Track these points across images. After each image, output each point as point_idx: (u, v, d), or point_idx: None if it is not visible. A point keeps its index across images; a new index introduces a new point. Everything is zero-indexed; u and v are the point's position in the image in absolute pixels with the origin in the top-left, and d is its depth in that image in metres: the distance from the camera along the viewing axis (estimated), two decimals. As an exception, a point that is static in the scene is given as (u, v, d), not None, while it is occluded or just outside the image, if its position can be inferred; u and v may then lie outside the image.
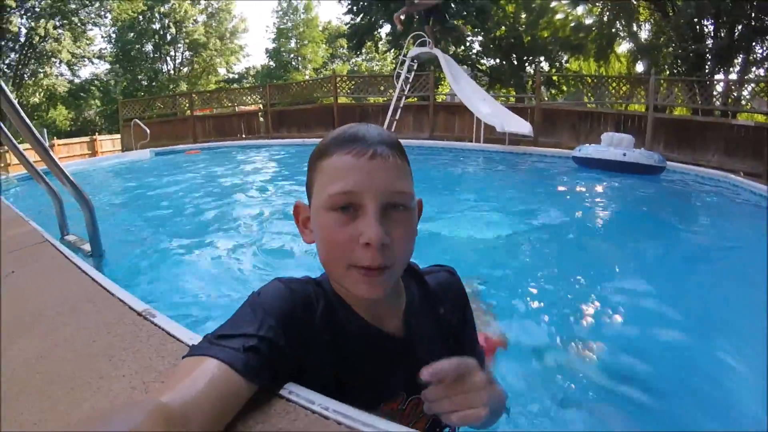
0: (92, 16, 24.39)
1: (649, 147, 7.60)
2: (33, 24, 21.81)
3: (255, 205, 3.94)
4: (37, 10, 21.64)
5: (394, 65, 12.99)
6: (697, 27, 13.89)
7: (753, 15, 11.13)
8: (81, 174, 6.80)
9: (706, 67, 13.16)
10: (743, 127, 9.45)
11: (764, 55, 12.89)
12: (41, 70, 23.33)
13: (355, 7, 19.95)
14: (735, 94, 10.58)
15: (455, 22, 18.03)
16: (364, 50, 27.08)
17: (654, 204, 5.10)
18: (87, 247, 1.88)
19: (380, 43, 22.44)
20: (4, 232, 2.12)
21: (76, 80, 26.89)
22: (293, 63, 35.04)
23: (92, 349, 0.85)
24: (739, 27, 12.23)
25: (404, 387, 0.75)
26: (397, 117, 10.94)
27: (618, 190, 5.61)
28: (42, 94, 24.61)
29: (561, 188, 5.50)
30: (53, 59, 23.45)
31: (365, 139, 0.68)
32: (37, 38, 22.02)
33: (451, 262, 0.89)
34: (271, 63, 34.97)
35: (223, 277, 2.32)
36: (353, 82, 13.69)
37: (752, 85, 10.32)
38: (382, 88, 12.81)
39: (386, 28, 20.23)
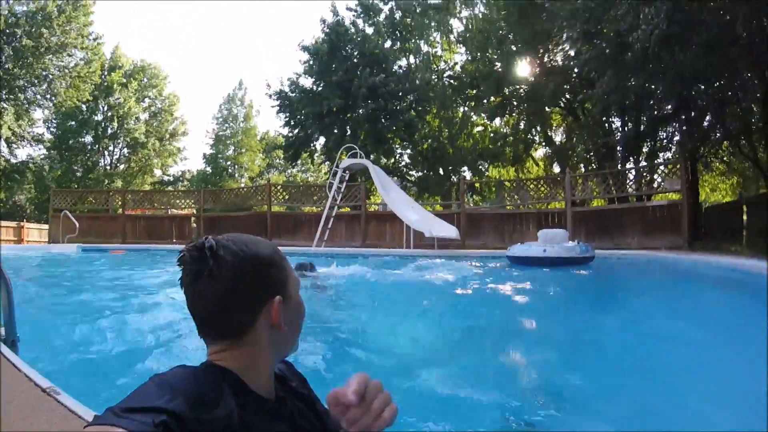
0: (38, 96, 23.78)
1: (571, 238, 8.28)
2: None
3: (171, 308, 3.97)
4: None
5: (328, 176, 13.68)
6: (606, 124, 15.50)
7: (655, 106, 12.27)
8: (6, 260, 6.40)
9: (617, 158, 14.32)
10: (658, 207, 10.40)
11: (668, 139, 14.13)
12: None
13: (292, 121, 21.16)
14: (647, 179, 11.62)
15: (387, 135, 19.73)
16: (299, 161, 28.30)
17: (586, 288, 5.56)
18: (2, 331, 1.87)
19: (315, 155, 23.65)
20: None
21: (12, 160, 25.51)
22: (230, 170, 35.48)
23: None
24: (643, 118, 13.44)
25: None
26: (329, 226, 11.28)
27: (550, 281, 6.00)
28: None
29: (494, 285, 5.85)
30: None
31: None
32: None
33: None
34: (208, 168, 35.16)
35: (134, 369, 2.36)
36: (288, 192, 14.12)
37: (662, 167, 11.39)
38: (315, 197, 13.25)
39: (321, 141, 21.51)
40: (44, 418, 0.89)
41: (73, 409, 0.92)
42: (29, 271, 6.59)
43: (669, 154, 14.75)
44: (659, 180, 11.18)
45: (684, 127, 12.19)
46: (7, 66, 21.41)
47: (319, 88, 20.32)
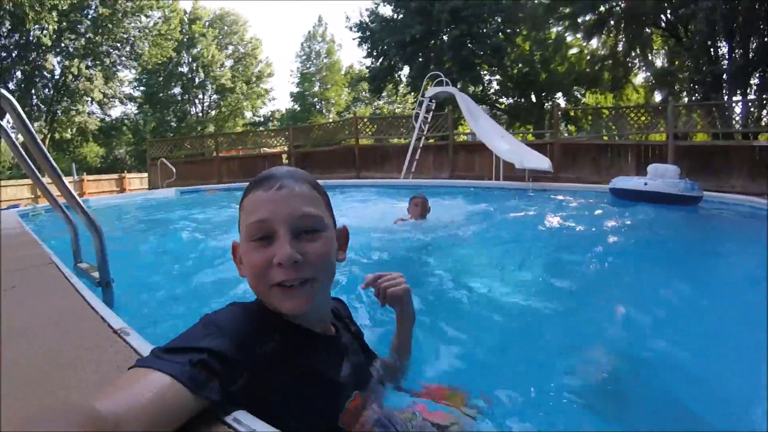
0: (123, 58, 25.64)
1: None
2: (67, 63, 23.05)
3: None
4: (71, 50, 22.88)
5: (414, 107, 13.31)
6: (711, 49, 13.87)
7: (766, 32, 11.08)
8: (109, 209, 7.07)
9: (724, 89, 13.08)
10: (765, 148, 9.36)
11: None
12: (73, 108, 24.43)
13: (374, 52, 20.71)
14: (755, 115, 10.47)
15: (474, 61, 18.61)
16: (385, 93, 27.95)
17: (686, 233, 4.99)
18: (97, 274, 1.99)
19: (400, 85, 23.11)
20: (17, 252, 2.33)
21: (107, 119, 28.21)
22: (317, 106, 36.14)
23: (62, 360, 0.93)
24: (753, 46, 12.18)
25: (353, 383, 0.85)
26: (417, 157, 11.11)
27: (644, 221, 5.47)
28: (74, 131, 25.75)
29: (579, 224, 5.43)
30: (85, 98, 24.59)
31: (273, 176, 0.80)
32: (70, 77, 23.20)
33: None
34: (296, 106, 36.08)
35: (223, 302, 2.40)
36: (374, 125, 14.06)
37: None
38: (402, 129, 13.08)
39: (405, 71, 20.91)
40: (109, 357, 0.92)
41: (138, 350, 0.95)
42: (132, 214, 7.11)
43: None
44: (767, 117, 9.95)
45: None
46: (88, 35, 22.89)
47: (400, 16, 19.45)
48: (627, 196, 6.44)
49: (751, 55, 12.13)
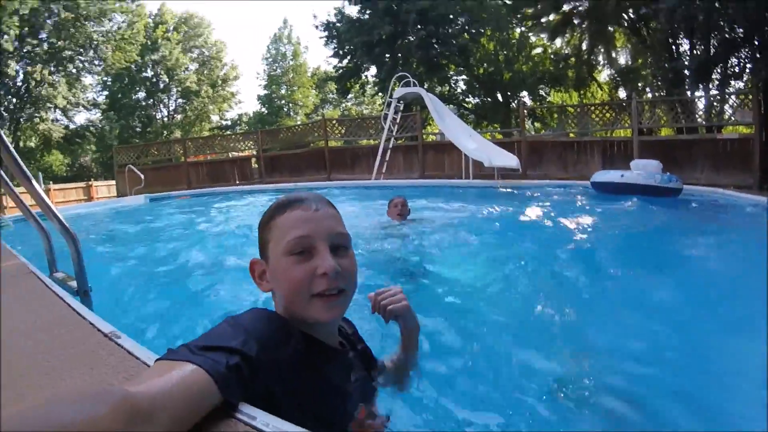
0: (86, 64, 24.94)
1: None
2: (29, 69, 22.26)
3: (240, 247, 4.00)
4: (34, 55, 22.09)
5: (382, 107, 13.34)
6: (673, 46, 14.19)
7: (726, 28, 11.29)
8: (77, 217, 6.87)
9: (686, 85, 13.37)
10: (728, 141, 9.59)
11: (741, 67, 12.96)
12: (37, 115, 23.67)
13: (341, 52, 20.65)
14: (717, 109, 10.85)
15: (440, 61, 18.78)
16: (352, 94, 27.91)
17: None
18: (74, 283, 1.94)
19: (367, 86, 23.10)
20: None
21: (72, 126, 27.23)
22: (285, 108, 35.81)
23: (55, 364, 0.94)
24: (713, 42, 12.38)
25: (359, 396, 0.91)
26: (387, 158, 11.14)
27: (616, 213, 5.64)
28: (37, 139, 24.90)
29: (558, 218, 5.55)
30: (48, 104, 23.79)
31: (308, 199, 0.89)
32: (33, 83, 22.45)
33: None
34: (264, 109, 35.68)
35: (203, 316, 2.38)
36: (343, 126, 14.01)
37: (733, 97, 10.50)
38: (371, 130, 13.08)
39: (372, 71, 20.92)
40: (104, 360, 0.94)
41: (132, 351, 0.97)
42: (100, 223, 6.93)
43: (741, 83, 13.39)
44: (730, 111, 10.22)
45: (757, 54, 10.88)
46: (51, 40, 22.25)
47: (366, 17, 19.46)
48: (606, 189, 6.69)
49: (711, 51, 12.35)
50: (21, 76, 22.70)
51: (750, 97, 9.56)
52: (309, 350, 0.81)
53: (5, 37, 19.97)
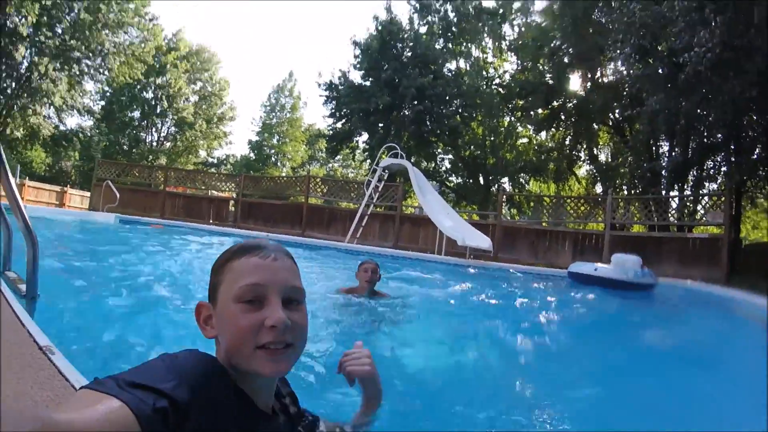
0: (92, 70, 24.76)
1: (606, 263, 8.01)
2: (36, 59, 22.01)
3: (198, 287, 3.94)
4: (44, 47, 21.87)
5: (367, 174, 13.67)
6: (653, 147, 15.05)
7: (705, 132, 11.93)
8: (46, 221, 6.67)
9: (662, 184, 13.89)
10: (698, 239, 10.00)
11: (715, 169, 13.68)
12: (31, 106, 23.16)
13: (337, 113, 21.34)
14: (690, 209, 11.17)
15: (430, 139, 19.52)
16: (341, 156, 28.54)
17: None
18: (23, 287, 1.87)
19: (357, 151, 23.71)
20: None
21: (62, 127, 26.78)
22: (273, 158, 36.15)
23: None
24: (692, 145, 13.04)
25: None
26: (363, 223, 11.27)
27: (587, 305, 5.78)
28: (25, 131, 24.27)
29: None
30: (45, 99, 23.34)
31: (267, 247, 0.86)
32: (36, 74, 22.12)
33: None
34: (252, 154, 35.95)
35: (142, 344, 2.32)
36: (326, 185, 14.21)
37: (705, 198, 10.93)
38: (353, 194, 13.26)
39: (364, 137, 21.58)
40: (31, 375, 0.91)
41: (62, 371, 0.94)
42: (66, 234, 6.77)
43: (715, 185, 14.20)
44: (702, 211, 10.69)
45: (732, 158, 11.62)
46: (64, 37, 22.33)
47: (368, 83, 20.35)
48: (580, 280, 6.77)
49: (689, 154, 13.03)
50: (26, 64, 22.48)
51: (722, 199, 10.05)
52: (239, 410, 0.77)
53: (22, 20, 19.96)
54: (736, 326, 4.76)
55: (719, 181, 13.90)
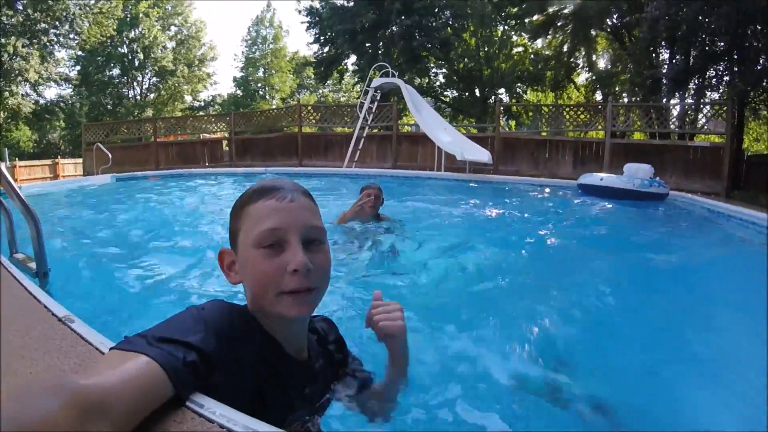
0: (61, 38, 23.98)
1: (607, 171, 7.88)
2: (2, 41, 21.26)
3: (208, 233, 3.93)
4: (8, 27, 21.17)
5: (359, 96, 13.28)
6: (653, 54, 14.50)
7: (707, 40, 11.61)
8: (42, 196, 6.64)
9: (662, 92, 13.53)
10: (699, 148, 9.83)
11: (718, 78, 13.29)
12: (7, 89, 22.68)
13: (322, 38, 20.42)
14: (691, 117, 11.07)
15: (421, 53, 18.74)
16: (330, 81, 27.67)
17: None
18: (33, 265, 1.92)
19: (346, 74, 22.90)
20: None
21: (41, 101, 26.27)
22: (261, 92, 35.24)
23: (7, 349, 0.92)
24: (693, 52, 12.70)
25: (311, 406, 0.88)
26: (360, 146, 11.12)
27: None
28: (6, 114, 23.92)
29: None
30: (20, 78, 22.85)
31: (283, 188, 0.82)
32: (5, 56, 21.49)
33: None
34: (239, 92, 35.06)
35: (164, 302, 2.35)
36: (318, 112, 13.88)
37: (707, 107, 10.72)
38: (347, 118, 12.98)
39: (353, 59, 20.77)
40: (56, 344, 0.93)
41: (85, 336, 0.96)
42: (65, 203, 6.70)
43: (717, 95, 13.82)
44: (703, 120, 10.45)
45: (735, 68, 11.24)
46: (27, 12, 21.41)
47: (350, 3, 19.29)
48: (588, 191, 6.73)
49: (690, 62, 12.64)
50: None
51: (725, 108, 9.81)
52: (268, 355, 0.79)
53: (-21, 6, 19.11)
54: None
55: (721, 90, 13.52)
